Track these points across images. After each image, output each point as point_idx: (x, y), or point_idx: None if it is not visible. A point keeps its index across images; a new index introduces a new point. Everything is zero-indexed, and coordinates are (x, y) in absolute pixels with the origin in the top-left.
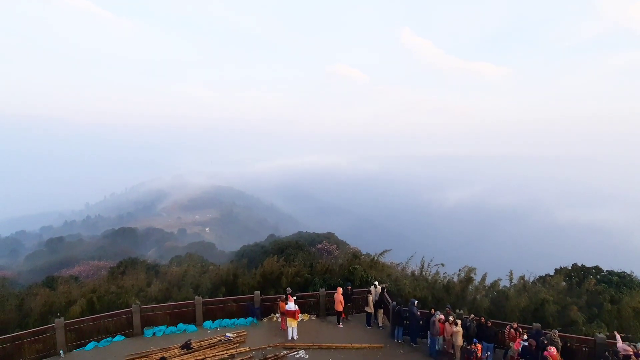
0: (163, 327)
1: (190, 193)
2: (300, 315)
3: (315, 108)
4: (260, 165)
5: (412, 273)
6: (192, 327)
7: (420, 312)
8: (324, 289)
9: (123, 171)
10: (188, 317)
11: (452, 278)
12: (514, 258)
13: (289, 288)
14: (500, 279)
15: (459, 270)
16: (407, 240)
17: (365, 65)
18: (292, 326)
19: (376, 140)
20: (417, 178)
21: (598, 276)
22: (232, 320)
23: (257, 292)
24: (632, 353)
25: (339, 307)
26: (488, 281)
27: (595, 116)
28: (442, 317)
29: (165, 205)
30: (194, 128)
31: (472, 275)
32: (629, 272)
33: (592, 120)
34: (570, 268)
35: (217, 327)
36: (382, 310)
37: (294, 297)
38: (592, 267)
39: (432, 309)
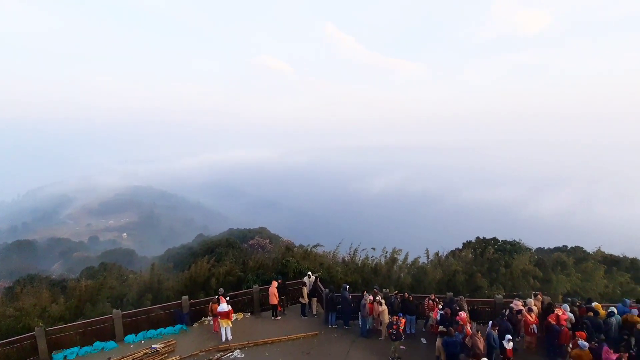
0: (76, 349)
1: (101, 196)
2: (234, 314)
3: (242, 101)
4: (184, 162)
5: (343, 259)
6: (111, 344)
7: (351, 295)
8: (257, 285)
9: (12, 175)
10: (106, 334)
11: (380, 260)
12: (431, 236)
13: (221, 289)
14: (419, 257)
15: (385, 252)
16: (338, 228)
17: (293, 59)
18: (225, 327)
19: (305, 133)
20: (345, 169)
21: (496, 246)
22: (159, 330)
23: (185, 297)
24: (522, 307)
25: (274, 300)
26: (410, 259)
27: (494, 109)
28: (371, 297)
29: (71, 211)
30: (104, 124)
31: (396, 256)
32: (518, 240)
33: (491, 112)
34: (474, 241)
35: (141, 340)
36: (315, 298)
37: (227, 297)
38: (491, 239)
39: (364, 292)
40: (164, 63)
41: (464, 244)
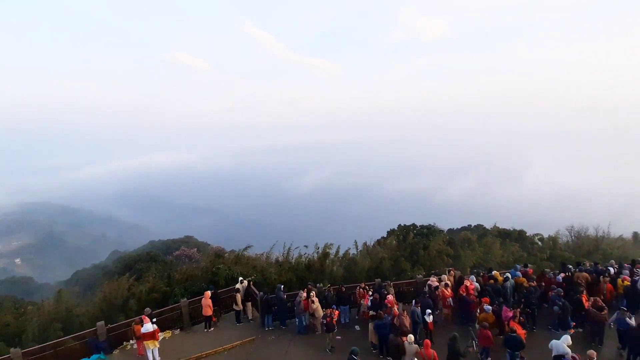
0: None
1: None
2: (160, 333)
3: (157, 101)
4: (89, 170)
5: (277, 260)
6: None
7: (287, 295)
8: (186, 299)
9: None
10: None
11: (313, 257)
12: (360, 228)
13: (147, 309)
14: (349, 249)
15: (317, 248)
16: (272, 229)
17: (211, 56)
18: (152, 348)
19: (230, 133)
20: (274, 169)
21: (415, 231)
22: None
23: (101, 323)
24: (437, 283)
25: (208, 311)
26: (341, 252)
27: (408, 106)
28: (304, 294)
29: None
30: None
31: (328, 250)
32: (433, 224)
33: (405, 109)
34: (397, 229)
35: None
36: (250, 303)
37: (153, 319)
38: (411, 225)
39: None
40: (61, 59)
41: (388, 232)
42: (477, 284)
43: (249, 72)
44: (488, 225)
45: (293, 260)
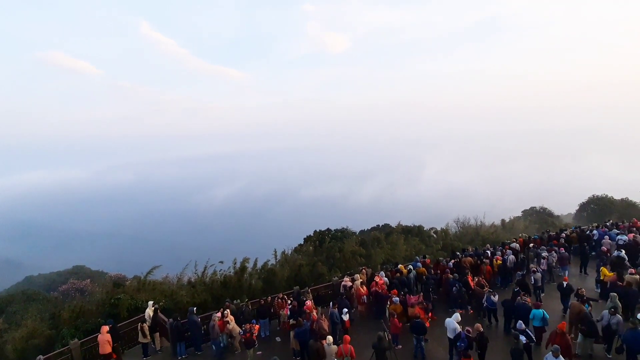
0: None
1: None
2: None
3: (34, 108)
4: None
5: (189, 281)
6: None
7: (201, 317)
8: (77, 339)
9: None
10: None
11: (230, 272)
12: (278, 237)
13: None
14: (269, 260)
15: (235, 262)
16: (183, 247)
17: (100, 58)
18: None
19: (126, 145)
20: (182, 181)
21: (330, 235)
22: None
23: None
24: (351, 283)
25: (107, 348)
26: (260, 264)
27: (316, 116)
28: (219, 315)
29: None
30: None
31: (246, 264)
32: (346, 227)
33: (312, 119)
34: (313, 234)
35: None
36: (158, 333)
37: None
38: (326, 230)
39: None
40: None
41: (305, 238)
42: (385, 279)
43: (148, 78)
44: (393, 223)
45: (208, 279)
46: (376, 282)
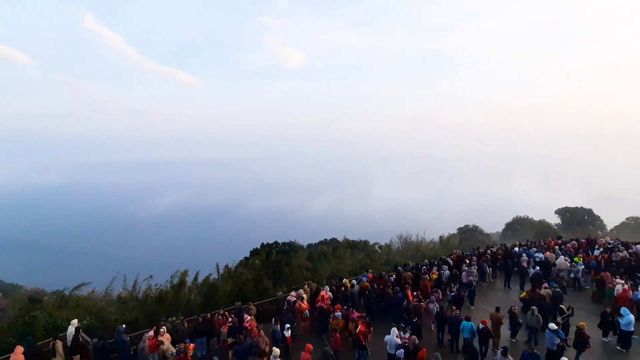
0: None
1: None
2: None
3: None
4: None
5: (119, 296)
6: None
7: (131, 336)
8: None
9: None
10: None
11: (166, 287)
12: (224, 250)
13: None
14: (211, 274)
15: (173, 276)
16: (115, 260)
17: (33, 47)
18: None
19: (55, 144)
20: (120, 188)
21: (277, 248)
22: None
23: None
24: (295, 298)
25: None
26: (201, 278)
27: (270, 126)
28: (152, 333)
29: None
30: None
31: (185, 278)
32: (293, 240)
33: (267, 128)
34: (260, 248)
35: None
36: (79, 355)
37: None
38: (273, 243)
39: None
40: None
41: (251, 252)
42: (330, 294)
43: (89, 73)
44: (341, 237)
45: (141, 295)
46: (322, 297)
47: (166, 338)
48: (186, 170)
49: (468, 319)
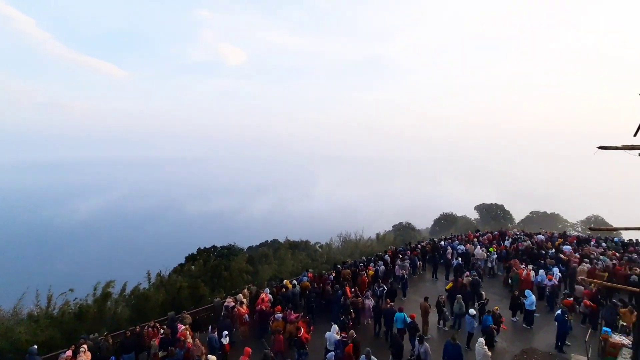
0: None
1: None
2: None
3: None
4: None
5: (30, 314)
6: None
7: (45, 358)
8: None
9: None
10: None
11: (87, 301)
12: (155, 257)
13: None
14: (140, 283)
15: (95, 288)
16: (24, 273)
17: None
18: None
19: None
20: (29, 190)
21: (215, 253)
22: None
23: None
24: (233, 303)
25: None
26: (129, 288)
27: (207, 125)
28: (69, 353)
29: None
30: None
31: (110, 289)
32: (233, 243)
33: (205, 128)
34: (196, 253)
35: None
36: None
37: None
38: (211, 247)
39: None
40: None
41: (186, 257)
42: (270, 296)
43: None
44: (283, 239)
45: (57, 311)
46: (262, 299)
47: (86, 357)
48: (111, 170)
49: (401, 310)
